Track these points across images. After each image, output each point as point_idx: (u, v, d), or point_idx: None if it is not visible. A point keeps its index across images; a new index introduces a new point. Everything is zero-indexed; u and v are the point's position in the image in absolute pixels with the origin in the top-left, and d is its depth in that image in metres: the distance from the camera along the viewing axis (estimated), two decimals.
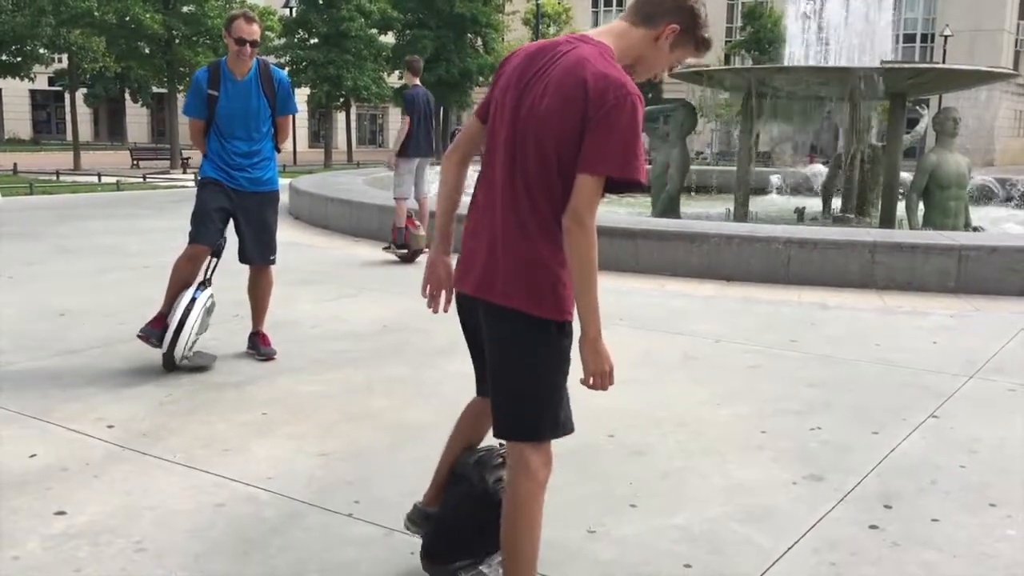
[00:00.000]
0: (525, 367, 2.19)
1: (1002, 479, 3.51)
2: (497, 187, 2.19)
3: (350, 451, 3.67)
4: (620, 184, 2.09)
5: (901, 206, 11.33)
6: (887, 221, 11.45)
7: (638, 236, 8.26)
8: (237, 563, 2.74)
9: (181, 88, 29.46)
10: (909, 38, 50.58)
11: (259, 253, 5.09)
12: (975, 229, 11.04)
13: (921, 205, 11.00)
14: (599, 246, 2.08)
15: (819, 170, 14.49)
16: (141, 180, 22.44)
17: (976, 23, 47.79)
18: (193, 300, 4.76)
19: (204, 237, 4.86)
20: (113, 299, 6.54)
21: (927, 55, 49.39)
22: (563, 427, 2.25)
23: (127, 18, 27.29)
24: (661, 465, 3.59)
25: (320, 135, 45.43)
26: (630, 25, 2.21)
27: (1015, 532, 3.05)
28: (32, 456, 3.54)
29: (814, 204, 13.07)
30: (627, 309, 6.43)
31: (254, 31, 4.80)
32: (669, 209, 11.89)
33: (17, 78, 29.49)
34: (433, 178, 10.39)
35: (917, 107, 15.83)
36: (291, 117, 5.13)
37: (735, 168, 13.75)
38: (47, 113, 56.03)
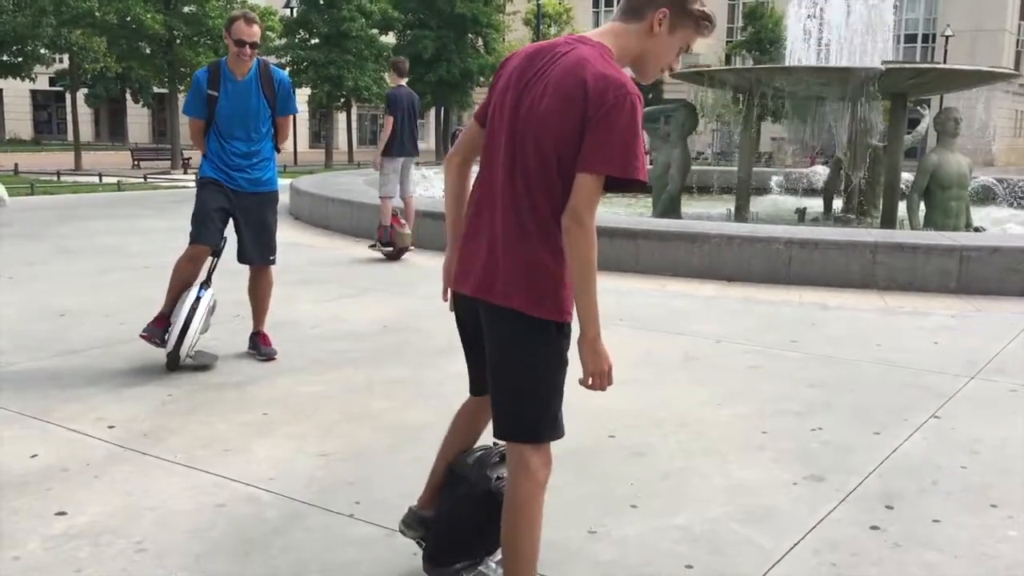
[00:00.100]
0: (525, 367, 2.18)
1: (1003, 480, 3.50)
2: (497, 187, 2.19)
3: (351, 452, 3.67)
4: (620, 183, 2.08)
5: (902, 206, 11.33)
6: (888, 221, 11.45)
7: (639, 236, 8.26)
8: (238, 563, 2.74)
9: (182, 88, 29.45)
10: (910, 38, 50.54)
11: (259, 253, 5.09)
12: (976, 229, 11.03)
13: (922, 205, 10.99)
14: (599, 246, 2.08)
15: (820, 170, 14.49)
16: (142, 180, 22.43)
17: (977, 23, 47.78)
18: (198, 299, 4.77)
19: (205, 237, 4.87)
20: (114, 299, 6.54)
21: (928, 55, 49.36)
22: (560, 429, 2.25)
23: (128, 18, 27.28)
24: (662, 465, 3.59)
25: (321, 135, 45.43)
26: (623, 24, 2.20)
27: (1016, 533, 3.05)
28: (33, 456, 3.54)
29: (815, 204, 13.07)
30: (628, 309, 6.43)
31: (254, 33, 4.80)
32: (670, 209, 11.89)
33: (18, 78, 29.44)
34: (417, 179, 10.44)
35: (918, 107, 15.82)
36: (291, 117, 5.13)
37: (736, 168, 13.75)
38: (48, 113, 56.03)
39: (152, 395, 4.36)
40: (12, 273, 7.60)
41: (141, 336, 4.84)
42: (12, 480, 3.31)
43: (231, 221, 4.99)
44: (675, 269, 8.00)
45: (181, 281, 4.87)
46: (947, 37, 41.89)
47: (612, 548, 2.87)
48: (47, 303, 6.39)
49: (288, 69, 32.13)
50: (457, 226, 2.39)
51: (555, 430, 2.24)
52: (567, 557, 2.79)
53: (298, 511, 3.10)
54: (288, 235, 8.47)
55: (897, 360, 5.25)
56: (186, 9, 29.08)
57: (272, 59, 27.24)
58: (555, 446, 2.26)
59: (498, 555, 2.43)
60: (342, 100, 36.43)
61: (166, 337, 4.76)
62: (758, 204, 13.43)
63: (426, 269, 8.19)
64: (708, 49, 45.30)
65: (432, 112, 45.75)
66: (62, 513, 3.04)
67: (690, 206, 12.99)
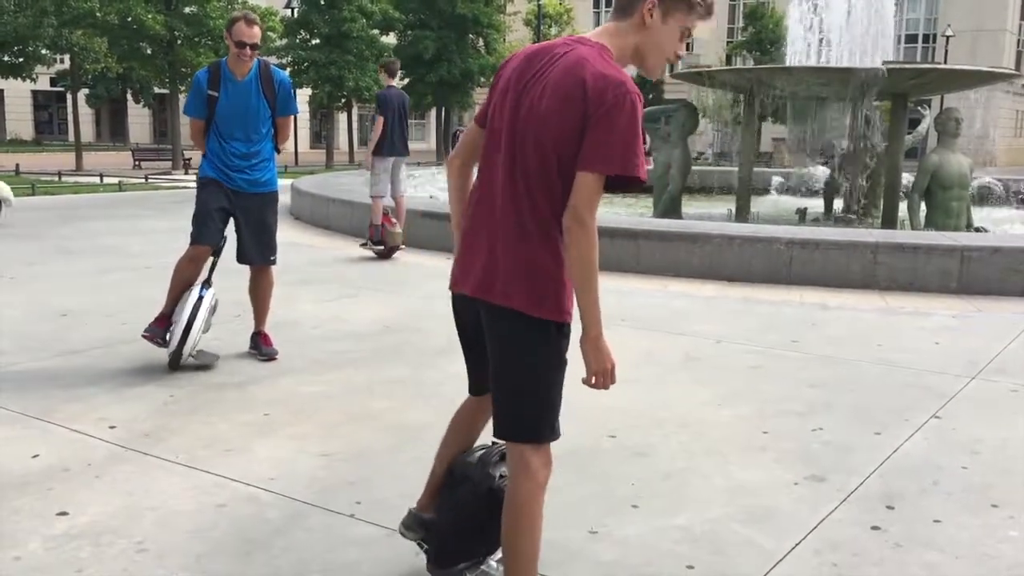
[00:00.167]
0: (525, 367, 2.18)
1: (1004, 480, 3.50)
2: (497, 187, 2.19)
3: (351, 452, 3.67)
4: (621, 182, 2.08)
5: (903, 207, 11.32)
6: (889, 222, 11.44)
7: (640, 236, 8.26)
8: (239, 564, 2.74)
9: (183, 89, 29.43)
10: (911, 38, 50.51)
11: (259, 253, 5.09)
12: (977, 230, 11.02)
13: (923, 205, 10.99)
14: (600, 246, 2.08)
15: (821, 171, 14.47)
16: (143, 181, 22.42)
17: (978, 23, 47.75)
18: (200, 299, 4.78)
19: (205, 237, 4.88)
20: (114, 300, 6.54)
21: (929, 55, 49.34)
22: (557, 431, 2.25)
23: (129, 19, 27.26)
24: (663, 466, 3.59)
25: (322, 136, 45.40)
26: (617, 23, 2.19)
27: (1017, 533, 3.05)
28: (34, 457, 3.54)
29: (816, 205, 13.06)
30: (629, 309, 6.43)
31: (255, 34, 4.80)
32: (671, 209, 11.89)
33: (19, 79, 29.48)
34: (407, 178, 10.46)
35: (919, 108, 15.81)
36: (291, 118, 5.14)
37: (736, 168, 13.74)
38: (49, 114, 56.04)
39: (153, 395, 4.36)
40: (13, 273, 7.60)
41: (143, 336, 4.85)
42: (13, 480, 3.31)
43: (232, 221, 5.00)
44: (676, 269, 8.00)
45: (182, 281, 4.88)
46: (948, 37, 41.86)
47: (613, 548, 2.87)
48: (48, 303, 6.39)
49: (289, 69, 32.11)
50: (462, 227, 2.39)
51: (554, 431, 2.24)
52: (568, 557, 2.79)
53: (299, 511, 3.10)
54: (289, 235, 8.47)
55: (898, 360, 5.25)
56: (187, 10, 29.07)
57: (273, 59, 27.22)
58: (555, 446, 2.26)
59: (499, 554, 2.43)
60: (343, 100, 36.42)
61: (168, 337, 4.77)
62: (759, 204, 13.42)
63: (425, 269, 8.19)
64: (709, 49, 45.35)
65: (433, 112, 45.75)
66: (63, 513, 3.05)
67: (691, 206, 12.98)
